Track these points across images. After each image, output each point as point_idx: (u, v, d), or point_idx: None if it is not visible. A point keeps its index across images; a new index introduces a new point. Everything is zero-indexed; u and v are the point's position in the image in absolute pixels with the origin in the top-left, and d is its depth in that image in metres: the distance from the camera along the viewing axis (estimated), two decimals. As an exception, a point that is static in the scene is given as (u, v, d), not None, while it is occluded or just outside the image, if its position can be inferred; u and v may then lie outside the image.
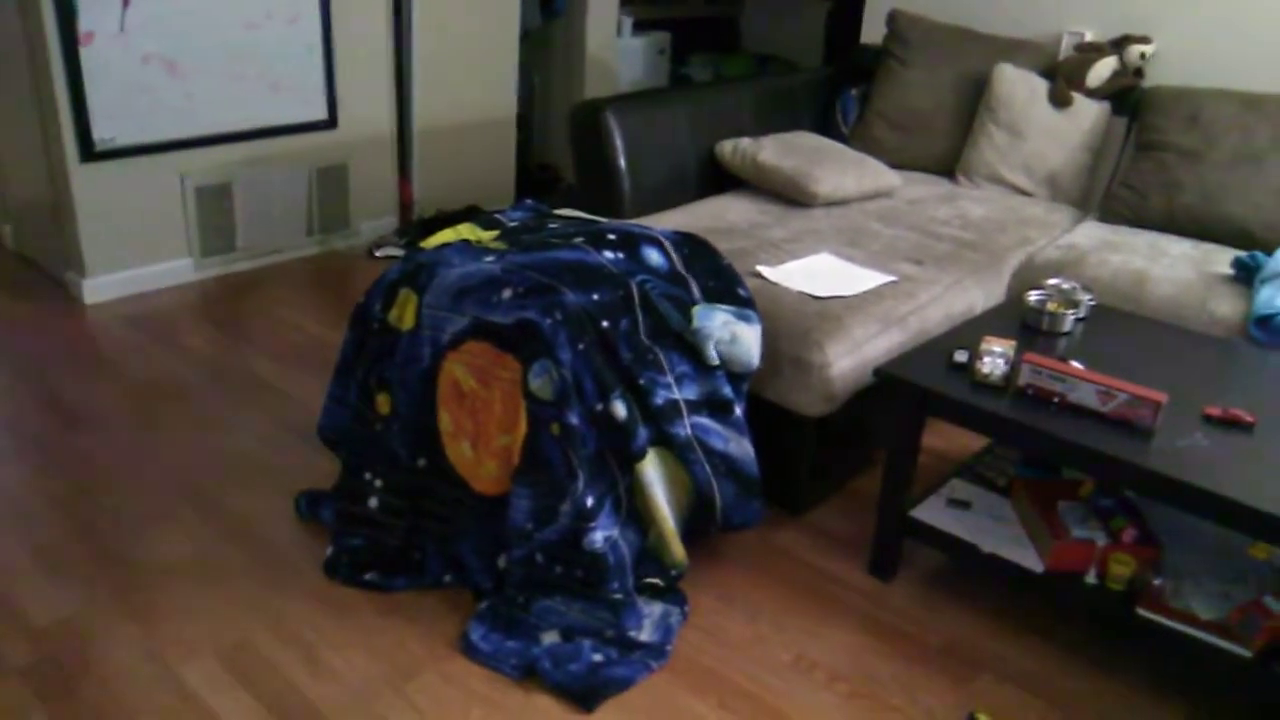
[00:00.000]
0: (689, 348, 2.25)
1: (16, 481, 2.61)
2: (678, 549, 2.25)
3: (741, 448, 2.31)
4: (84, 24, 3.36)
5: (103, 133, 3.52)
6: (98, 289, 3.70)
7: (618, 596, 2.12)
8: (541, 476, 2.10)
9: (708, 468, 2.26)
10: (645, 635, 2.14)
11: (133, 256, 3.76)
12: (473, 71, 4.60)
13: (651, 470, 2.19)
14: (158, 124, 3.65)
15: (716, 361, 2.27)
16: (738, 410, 2.31)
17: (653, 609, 2.21)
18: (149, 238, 3.78)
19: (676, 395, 2.22)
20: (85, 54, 3.40)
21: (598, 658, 2.08)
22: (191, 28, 3.62)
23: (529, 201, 2.76)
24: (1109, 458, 1.96)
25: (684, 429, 2.23)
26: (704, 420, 2.26)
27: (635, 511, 2.21)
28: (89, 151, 3.51)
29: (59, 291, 3.77)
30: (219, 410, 3.01)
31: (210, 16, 3.66)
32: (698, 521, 2.32)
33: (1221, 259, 2.96)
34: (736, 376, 2.33)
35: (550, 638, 2.12)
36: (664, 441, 2.20)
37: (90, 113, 3.47)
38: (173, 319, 3.60)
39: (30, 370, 3.19)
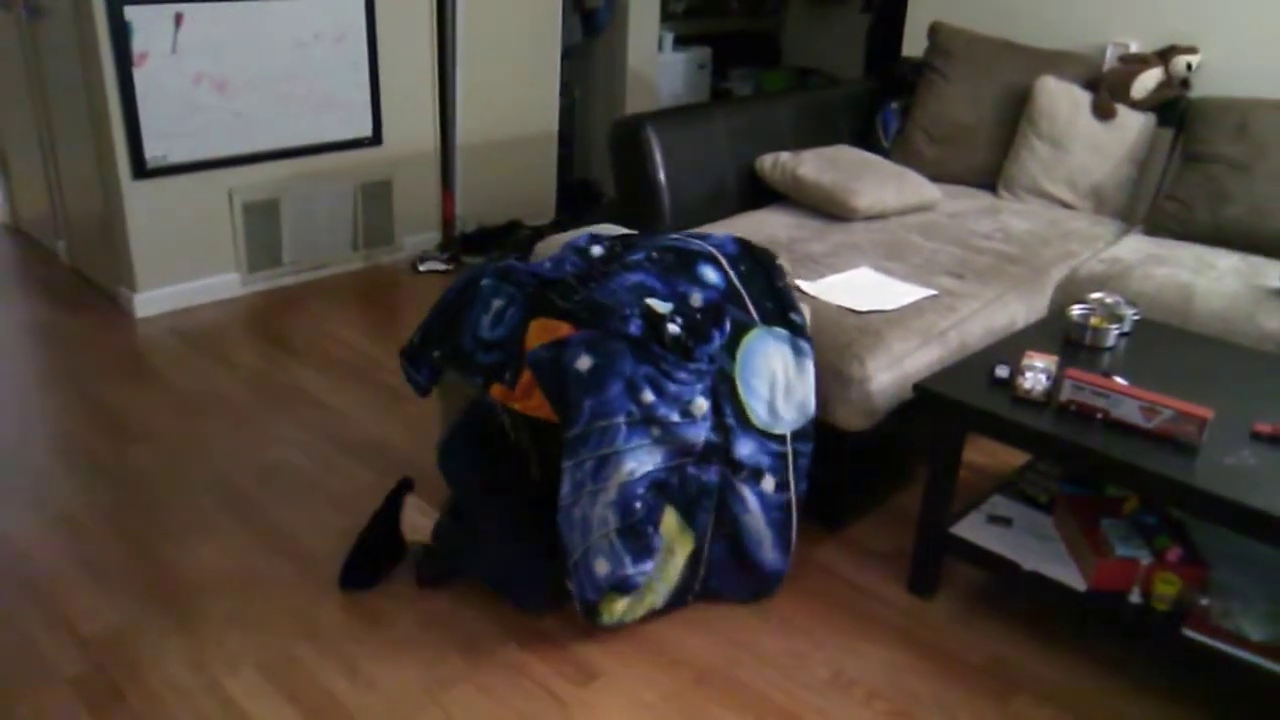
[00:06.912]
0: (741, 404, 2.26)
1: (67, 491, 2.67)
2: (627, 609, 2.22)
3: (755, 524, 2.28)
4: (138, 45, 3.45)
5: (154, 150, 3.60)
6: (148, 303, 3.77)
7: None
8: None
9: (711, 519, 2.25)
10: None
11: (182, 271, 3.84)
12: (515, 88, 4.65)
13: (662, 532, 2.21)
14: (207, 142, 3.73)
15: (760, 425, 2.27)
16: (768, 483, 2.29)
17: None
18: (198, 253, 3.86)
19: (718, 439, 2.23)
20: (139, 74, 3.48)
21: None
22: (241, 47, 3.70)
23: (582, 239, 2.54)
24: (1153, 475, 1.93)
25: (714, 475, 2.24)
26: (733, 477, 2.26)
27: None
28: (141, 169, 3.59)
29: (111, 305, 3.86)
30: (264, 423, 3.06)
31: (260, 36, 3.73)
32: (684, 584, 2.30)
33: (1270, 272, 2.91)
34: (782, 438, 2.30)
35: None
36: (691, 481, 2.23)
37: (143, 131, 3.55)
38: (220, 333, 3.67)
39: (82, 382, 3.26)
